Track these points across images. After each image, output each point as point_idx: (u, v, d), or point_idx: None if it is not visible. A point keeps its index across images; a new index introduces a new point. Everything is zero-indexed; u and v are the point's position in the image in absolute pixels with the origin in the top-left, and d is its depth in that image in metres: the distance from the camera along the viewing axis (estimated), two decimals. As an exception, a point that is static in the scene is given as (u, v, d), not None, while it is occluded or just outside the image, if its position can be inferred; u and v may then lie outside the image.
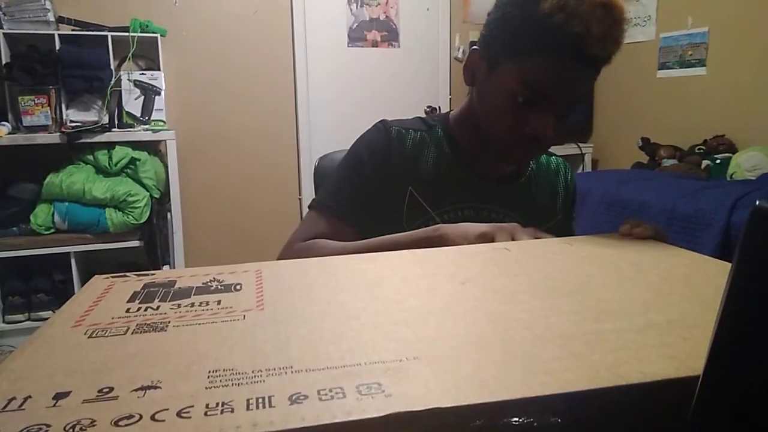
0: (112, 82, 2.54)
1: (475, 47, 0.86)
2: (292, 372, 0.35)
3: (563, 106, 0.79)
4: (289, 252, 0.85)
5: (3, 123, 2.40)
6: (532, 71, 0.76)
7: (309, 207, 0.90)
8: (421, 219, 0.87)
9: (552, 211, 0.97)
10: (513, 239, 0.69)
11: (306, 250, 0.83)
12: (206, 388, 0.33)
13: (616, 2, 0.73)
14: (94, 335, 0.42)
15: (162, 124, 2.65)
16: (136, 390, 0.33)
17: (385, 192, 0.87)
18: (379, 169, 0.88)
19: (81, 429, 0.29)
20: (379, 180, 0.87)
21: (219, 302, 0.48)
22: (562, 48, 0.74)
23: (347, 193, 0.88)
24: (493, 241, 0.69)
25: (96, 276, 0.57)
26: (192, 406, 0.31)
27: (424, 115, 0.97)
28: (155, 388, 0.33)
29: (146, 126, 2.62)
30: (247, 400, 0.31)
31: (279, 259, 0.85)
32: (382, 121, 0.93)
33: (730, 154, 2.57)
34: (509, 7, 0.78)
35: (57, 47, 2.47)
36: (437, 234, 0.74)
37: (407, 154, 0.89)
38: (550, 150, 1.02)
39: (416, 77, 3.50)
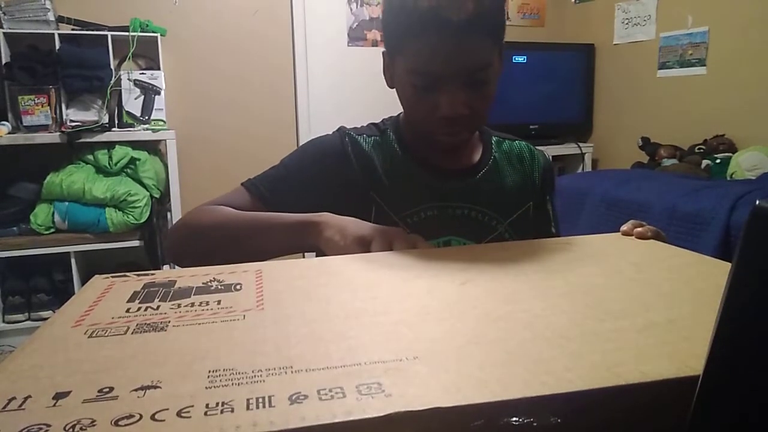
0: (112, 82, 2.54)
1: (383, 50, 0.87)
2: (292, 372, 0.35)
3: (464, 80, 0.78)
4: (197, 209, 0.85)
5: (3, 123, 2.39)
6: (413, 57, 0.78)
7: (241, 183, 0.90)
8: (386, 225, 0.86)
9: (521, 198, 0.94)
10: (391, 248, 0.67)
11: (209, 209, 0.84)
12: (206, 387, 0.33)
13: None
14: (94, 335, 0.42)
15: (162, 123, 2.64)
16: (136, 390, 0.33)
17: (346, 196, 0.85)
18: (319, 164, 0.87)
19: (81, 429, 0.29)
20: (325, 177, 0.86)
21: (219, 302, 0.48)
22: (423, 25, 0.74)
23: (279, 181, 0.88)
24: (369, 248, 0.67)
25: (96, 276, 0.57)
26: (192, 406, 0.31)
27: (377, 122, 0.96)
28: (155, 387, 0.33)
29: (146, 126, 2.61)
30: (247, 400, 0.31)
31: (185, 215, 0.85)
32: (339, 128, 0.93)
33: (730, 154, 2.57)
34: (383, 5, 0.82)
35: (57, 47, 2.46)
36: (316, 220, 0.73)
37: (365, 161, 0.89)
38: (512, 135, 1.00)
39: (416, 77, 3.50)
